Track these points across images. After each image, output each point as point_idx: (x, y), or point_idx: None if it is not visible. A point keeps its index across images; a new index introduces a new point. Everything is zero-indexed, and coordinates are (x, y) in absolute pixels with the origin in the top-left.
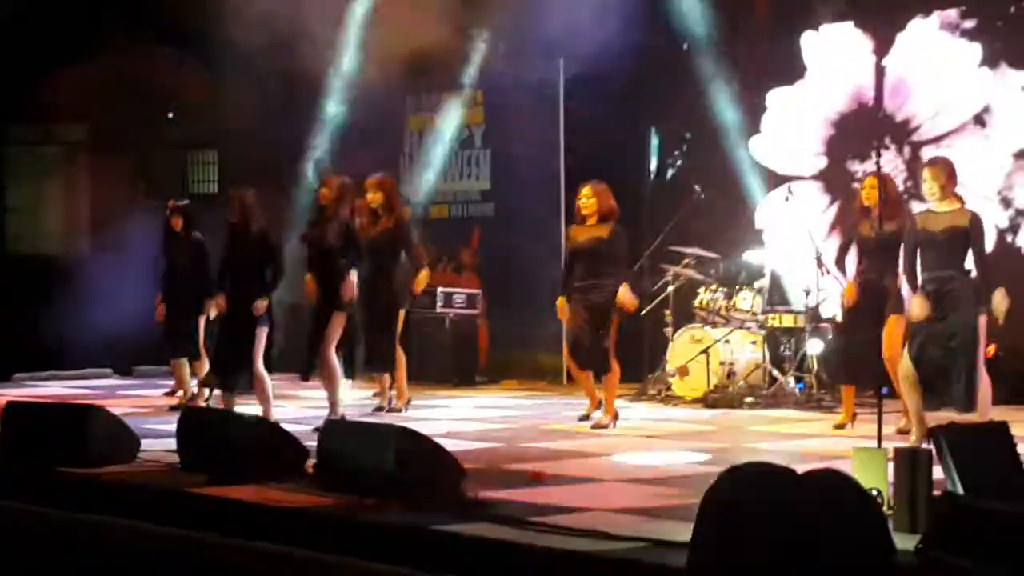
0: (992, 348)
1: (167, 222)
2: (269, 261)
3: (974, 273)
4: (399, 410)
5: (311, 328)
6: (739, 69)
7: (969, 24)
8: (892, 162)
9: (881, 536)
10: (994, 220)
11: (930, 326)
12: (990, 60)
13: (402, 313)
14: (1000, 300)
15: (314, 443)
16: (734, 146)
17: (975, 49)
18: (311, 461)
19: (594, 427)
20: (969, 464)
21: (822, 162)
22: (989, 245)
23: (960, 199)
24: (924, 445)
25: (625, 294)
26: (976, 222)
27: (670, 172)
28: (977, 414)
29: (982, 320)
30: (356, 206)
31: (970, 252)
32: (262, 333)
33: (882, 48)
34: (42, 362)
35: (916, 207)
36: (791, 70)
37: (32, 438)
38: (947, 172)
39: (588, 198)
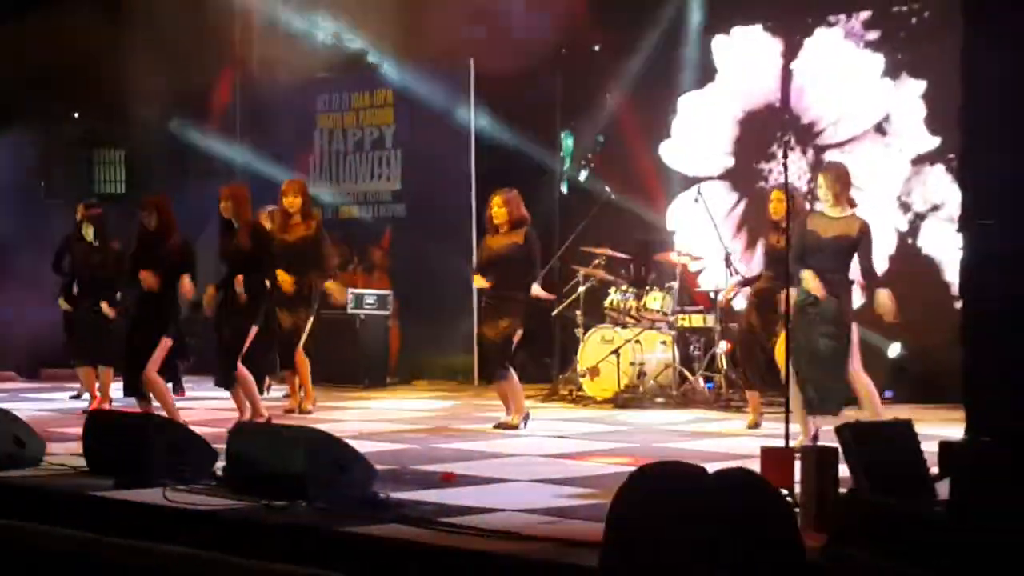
0: (898, 346)
1: (77, 227)
2: (190, 268)
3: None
4: (308, 411)
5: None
6: (651, 72)
7: (873, 35)
8: (796, 163)
9: (790, 534)
10: (894, 223)
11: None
12: (892, 71)
13: (309, 321)
14: (885, 300)
15: (223, 445)
16: (645, 149)
17: (878, 59)
18: (220, 464)
19: (498, 426)
20: (874, 462)
21: (730, 161)
22: (890, 247)
23: (853, 205)
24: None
25: (538, 289)
26: (865, 231)
27: (583, 174)
28: (870, 412)
29: (855, 327)
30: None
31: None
32: (166, 341)
33: (790, 52)
34: None
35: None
36: (702, 74)
37: None
38: (841, 179)
39: (499, 207)
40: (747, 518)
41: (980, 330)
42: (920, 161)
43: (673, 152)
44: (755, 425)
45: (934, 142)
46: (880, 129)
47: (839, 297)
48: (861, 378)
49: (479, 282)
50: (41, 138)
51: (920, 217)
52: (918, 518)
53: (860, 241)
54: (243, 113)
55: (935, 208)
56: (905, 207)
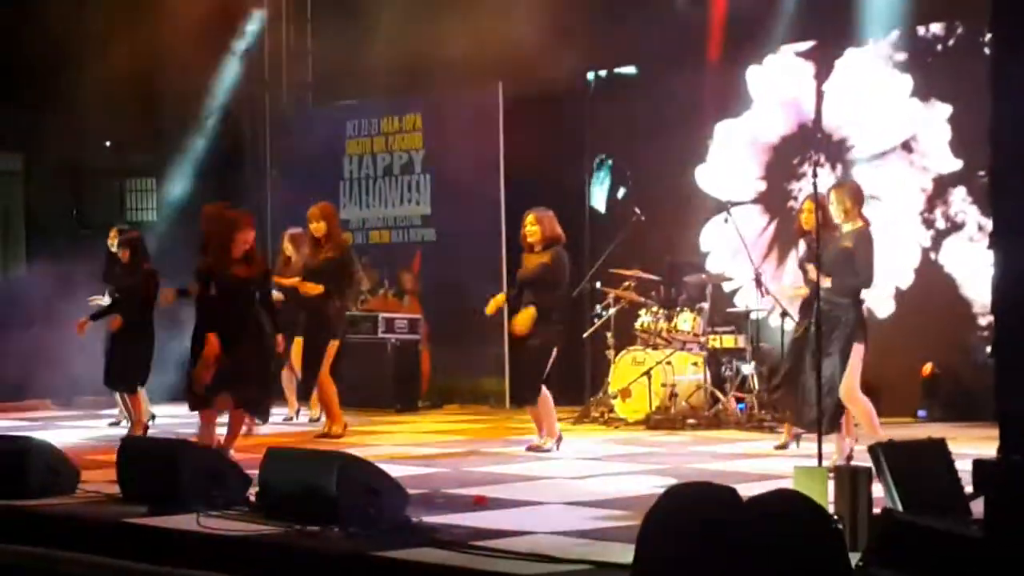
0: (929, 366)
1: (110, 251)
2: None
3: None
4: (337, 435)
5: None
6: (687, 99)
7: (901, 56)
8: (826, 179)
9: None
10: (918, 239)
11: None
12: (920, 92)
13: (336, 343)
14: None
15: (256, 471)
16: (679, 173)
17: (906, 80)
18: (253, 489)
19: (531, 449)
20: (908, 481)
21: (761, 185)
22: (915, 260)
23: (865, 220)
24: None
25: (523, 318)
26: (862, 237)
27: (615, 196)
28: (868, 432)
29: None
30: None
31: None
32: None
33: (823, 73)
34: None
35: None
36: (738, 103)
37: None
38: (852, 194)
39: (532, 225)
40: (792, 539)
41: (1012, 347)
42: (943, 182)
43: (708, 176)
44: (783, 446)
45: (957, 164)
46: (907, 147)
47: (839, 316)
48: (857, 399)
49: (492, 306)
50: (73, 167)
51: (942, 235)
52: (952, 537)
53: (855, 249)
54: (273, 138)
55: (956, 228)
56: (928, 223)
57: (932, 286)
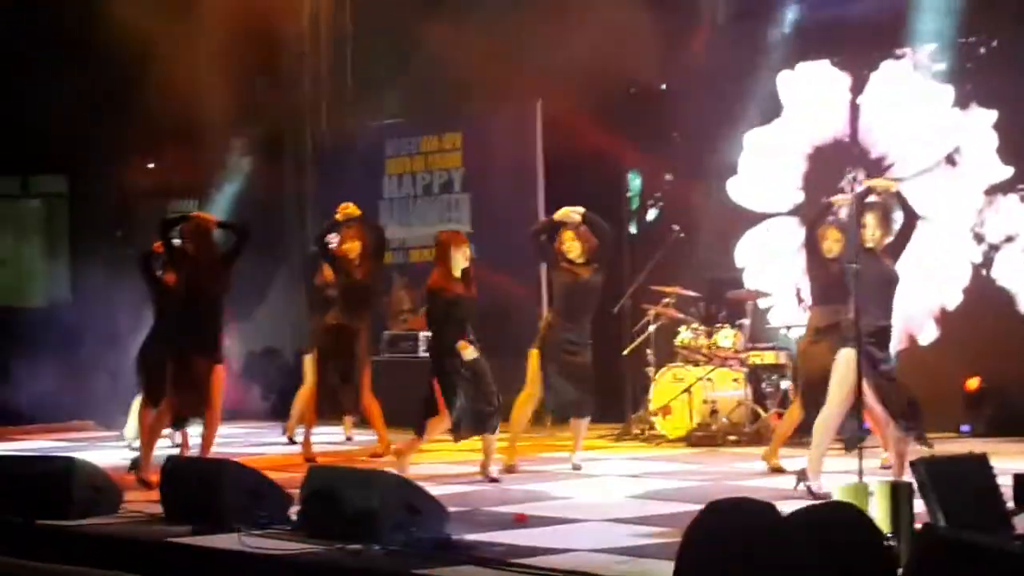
0: (977, 380)
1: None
2: None
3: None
4: (379, 455)
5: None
6: (717, 109)
7: (940, 66)
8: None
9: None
10: (968, 256)
11: None
12: (961, 101)
13: (368, 362)
14: None
15: (297, 490)
16: (713, 186)
17: (947, 90)
18: (295, 508)
19: (574, 468)
20: (949, 496)
21: (799, 197)
22: (965, 280)
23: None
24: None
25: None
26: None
27: (652, 213)
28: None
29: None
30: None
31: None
32: None
33: (857, 86)
34: (25, 415)
35: None
36: (768, 109)
37: (15, 491)
38: (886, 218)
39: (571, 240)
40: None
41: None
42: (993, 191)
43: (741, 189)
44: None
45: (1007, 172)
46: (951, 160)
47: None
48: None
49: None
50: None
51: (994, 248)
52: (995, 552)
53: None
54: (314, 159)
55: (1010, 239)
56: (979, 238)
57: (983, 301)
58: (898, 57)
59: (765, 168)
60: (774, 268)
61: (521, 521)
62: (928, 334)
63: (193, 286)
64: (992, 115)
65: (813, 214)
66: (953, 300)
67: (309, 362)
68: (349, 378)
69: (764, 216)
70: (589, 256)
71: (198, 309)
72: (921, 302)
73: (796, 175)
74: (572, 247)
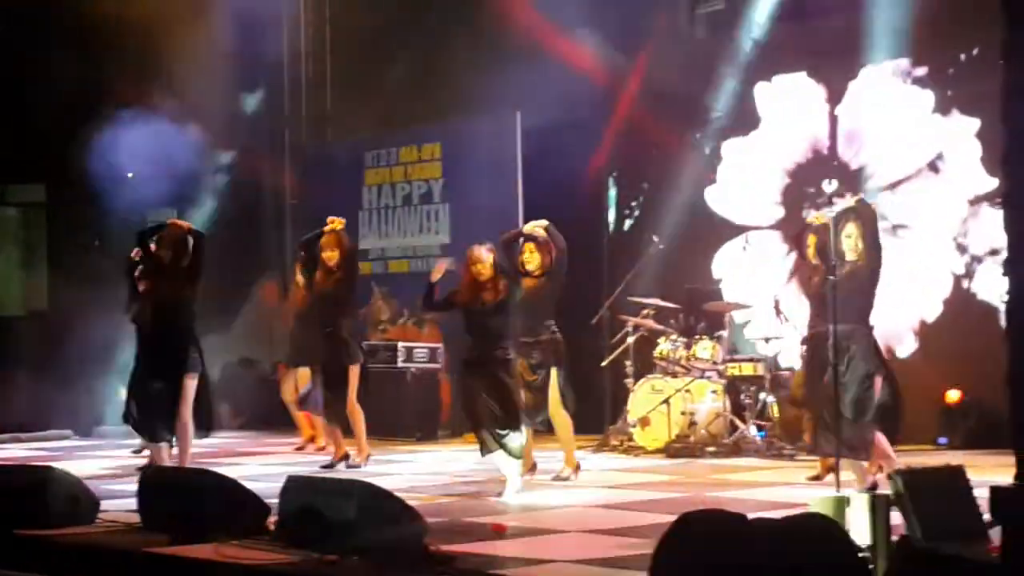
0: (958, 393)
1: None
2: None
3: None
4: (358, 465)
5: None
6: (695, 119)
7: (920, 72)
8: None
9: None
10: (950, 266)
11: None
12: (942, 107)
13: (356, 368)
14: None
15: (276, 499)
16: (690, 197)
17: (927, 96)
18: (273, 518)
19: (555, 479)
20: (927, 508)
21: (779, 212)
22: (945, 291)
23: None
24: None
25: None
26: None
27: (628, 223)
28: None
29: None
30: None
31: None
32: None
33: (835, 97)
34: (1, 424)
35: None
36: (746, 120)
37: None
38: (871, 226)
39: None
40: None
41: None
42: (978, 201)
43: (719, 198)
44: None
45: (992, 183)
46: (934, 167)
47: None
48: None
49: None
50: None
51: (977, 260)
52: (970, 565)
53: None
54: (293, 169)
55: (994, 252)
56: (961, 248)
57: (964, 314)
58: (876, 64)
59: (744, 179)
60: (753, 280)
61: (499, 531)
62: (907, 346)
63: (160, 295)
64: (975, 123)
65: (795, 233)
66: (933, 312)
67: (303, 373)
68: (333, 386)
69: (742, 228)
70: (545, 269)
71: (165, 318)
72: (901, 313)
73: (775, 189)
74: (532, 259)
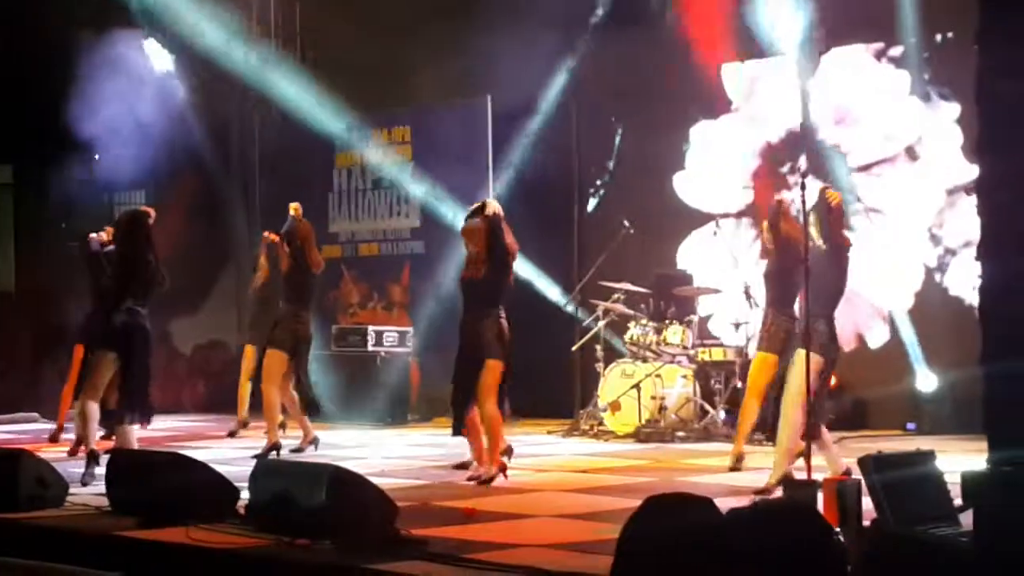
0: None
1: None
2: None
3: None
4: (302, 450)
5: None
6: (663, 102)
7: (896, 52)
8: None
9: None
10: (922, 258)
11: None
12: (920, 90)
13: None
14: None
15: (246, 483)
16: (659, 182)
17: (903, 76)
18: (243, 501)
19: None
20: (898, 493)
21: (748, 196)
22: (917, 284)
23: (846, 240)
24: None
25: None
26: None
27: (592, 203)
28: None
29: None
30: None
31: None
32: None
33: (807, 76)
34: None
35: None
36: (714, 103)
37: None
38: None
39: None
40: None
41: (1000, 358)
42: (956, 191)
43: (688, 184)
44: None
45: (973, 171)
46: (912, 153)
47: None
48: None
49: None
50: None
51: (951, 252)
52: (942, 549)
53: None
54: (262, 151)
55: (968, 244)
56: (935, 239)
57: (935, 303)
58: (849, 43)
59: (713, 164)
60: (723, 265)
61: (471, 515)
62: (878, 335)
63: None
64: (955, 109)
65: (771, 216)
66: (905, 303)
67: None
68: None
69: (710, 216)
70: (486, 255)
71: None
72: (873, 302)
73: (744, 172)
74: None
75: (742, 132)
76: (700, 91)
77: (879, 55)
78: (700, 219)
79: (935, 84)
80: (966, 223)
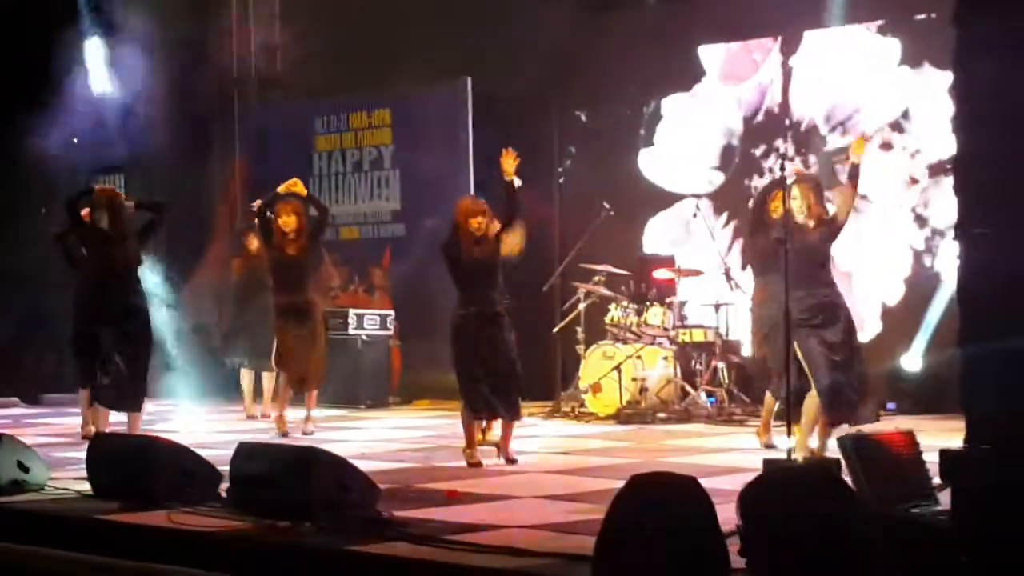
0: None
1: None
2: None
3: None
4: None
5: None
6: (635, 76)
7: (882, 20)
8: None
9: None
10: (908, 240)
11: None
12: (911, 59)
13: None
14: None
15: (227, 466)
16: (629, 160)
17: (892, 44)
18: (224, 484)
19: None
20: (877, 472)
21: (719, 177)
22: (905, 270)
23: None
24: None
25: None
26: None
27: (575, 190)
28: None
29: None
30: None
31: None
32: None
33: (787, 48)
34: None
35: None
36: (688, 76)
37: None
38: (816, 190)
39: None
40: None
41: (977, 337)
42: (941, 169)
43: (657, 161)
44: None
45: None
46: (898, 127)
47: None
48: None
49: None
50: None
51: (938, 234)
52: (921, 528)
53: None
54: (242, 134)
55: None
56: (921, 220)
57: (925, 297)
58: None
59: (686, 141)
60: (702, 246)
61: (453, 497)
62: (869, 324)
63: (106, 260)
64: (946, 77)
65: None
66: (895, 294)
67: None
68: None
69: (683, 195)
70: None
71: (110, 283)
72: (861, 291)
73: (716, 153)
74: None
75: (715, 107)
76: (676, 68)
77: (867, 24)
78: (671, 199)
79: (925, 51)
80: (953, 203)
